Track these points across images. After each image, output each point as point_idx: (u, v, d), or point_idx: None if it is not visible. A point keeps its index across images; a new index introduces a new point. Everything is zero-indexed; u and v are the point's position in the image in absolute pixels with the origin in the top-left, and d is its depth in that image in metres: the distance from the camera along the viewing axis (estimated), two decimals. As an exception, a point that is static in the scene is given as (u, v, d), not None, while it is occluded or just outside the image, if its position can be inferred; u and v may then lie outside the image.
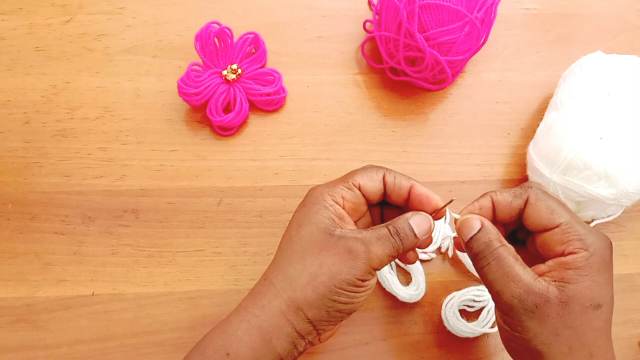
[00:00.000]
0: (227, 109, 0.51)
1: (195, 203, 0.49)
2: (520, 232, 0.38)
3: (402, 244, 0.34)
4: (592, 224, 0.47)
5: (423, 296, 0.46)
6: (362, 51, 0.53)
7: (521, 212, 0.35)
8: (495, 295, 0.33)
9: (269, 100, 0.51)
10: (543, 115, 0.49)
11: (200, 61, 0.51)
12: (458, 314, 0.45)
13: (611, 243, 0.34)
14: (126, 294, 0.46)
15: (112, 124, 0.51)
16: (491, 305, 0.45)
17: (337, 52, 0.54)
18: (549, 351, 0.32)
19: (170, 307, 0.46)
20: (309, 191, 0.36)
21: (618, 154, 0.42)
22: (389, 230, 0.34)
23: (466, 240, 0.34)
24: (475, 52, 0.51)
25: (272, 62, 0.53)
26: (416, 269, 0.46)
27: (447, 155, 0.51)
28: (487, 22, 0.48)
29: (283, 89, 0.51)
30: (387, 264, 0.35)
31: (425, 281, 0.46)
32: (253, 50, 0.52)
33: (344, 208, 0.35)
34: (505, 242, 0.34)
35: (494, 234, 0.34)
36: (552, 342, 0.32)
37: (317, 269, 0.33)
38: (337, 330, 0.37)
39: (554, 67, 0.54)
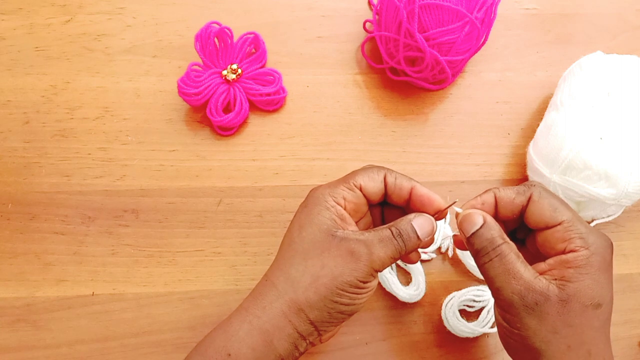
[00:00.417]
0: (227, 109, 0.51)
1: (195, 203, 0.49)
2: (520, 232, 0.38)
3: (405, 246, 0.34)
4: (592, 224, 0.47)
5: (423, 296, 0.46)
6: (362, 51, 0.53)
7: (523, 210, 0.35)
8: (496, 292, 0.33)
9: (269, 100, 0.51)
10: (543, 115, 0.49)
11: (200, 61, 0.51)
12: (458, 314, 0.45)
13: (612, 243, 0.34)
14: (126, 294, 0.46)
15: (112, 124, 0.51)
16: (491, 305, 0.45)
17: (337, 52, 0.54)
18: (547, 349, 0.32)
19: (170, 307, 0.46)
20: (310, 192, 0.36)
21: (618, 154, 0.42)
22: (392, 232, 0.34)
23: (468, 235, 0.34)
24: (475, 52, 0.51)
25: (272, 62, 0.53)
26: (416, 269, 0.46)
27: (447, 155, 0.51)
28: (487, 22, 0.48)
29: (283, 89, 0.51)
30: (389, 266, 0.35)
31: (425, 281, 0.46)
32: (253, 50, 0.52)
33: (345, 209, 0.35)
34: (507, 239, 0.34)
35: (496, 230, 0.34)
36: (551, 340, 0.32)
37: (318, 270, 0.33)
38: (338, 330, 0.37)
39: (554, 67, 0.54)
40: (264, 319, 0.33)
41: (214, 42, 0.50)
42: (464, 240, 0.35)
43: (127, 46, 0.53)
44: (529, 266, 0.33)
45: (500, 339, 0.36)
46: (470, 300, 0.45)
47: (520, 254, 0.34)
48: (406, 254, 0.35)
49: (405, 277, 0.47)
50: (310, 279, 0.33)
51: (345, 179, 0.36)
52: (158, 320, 0.46)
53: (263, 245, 0.48)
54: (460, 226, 0.35)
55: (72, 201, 0.48)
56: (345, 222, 0.35)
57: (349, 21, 0.55)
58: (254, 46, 0.52)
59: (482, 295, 0.45)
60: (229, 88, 0.50)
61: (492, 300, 0.44)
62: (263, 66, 0.52)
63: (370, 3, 0.56)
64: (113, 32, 0.54)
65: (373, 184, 0.36)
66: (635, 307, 0.47)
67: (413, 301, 0.46)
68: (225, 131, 0.51)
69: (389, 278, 0.46)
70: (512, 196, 0.35)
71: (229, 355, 0.33)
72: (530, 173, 0.48)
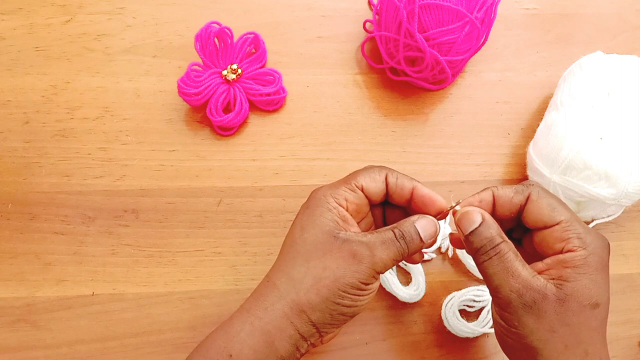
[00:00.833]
0: (227, 109, 0.51)
1: (195, 203, 0.49)
2: (516, 231, 0.38)
3: (408, 248, 0.34)
4: (592, 224, 0.47)
5: (423, 296, 0.46)
6: (362, 51, 0.53)
7: (521, 209, 0.35)
8: (494, 290, 0.33)
9: (269, 100, 0.51)
10: (543, 115, 0.49)
11: (200, 61, 0.51)
12: (458, 314, 0.45)
13: (609, 244, 0.34)
14: (126, 294, 0.46)
15: (112, 124, 0.51)
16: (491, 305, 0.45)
17: (337, 52, 0.54)
18: (545, 348, 0.32)
19: (170, 307, 0.46)
20: (312, 193, 0.36)
21: (618, 154, 0.42)
22: (395, 234, 0.34)
23: (466, 233, 0.34)
24: (475, 52, 0.51)
25: (272, 62, 0.53)
26: (416, 269, 0.46)
27: (447, 155, 0.51)
28: (487, 22, 0.48)
29: (283, 89, 0.51)
30: (391, 268, 0.35)
31: (425, 281, 0.46)
32: (253, 50, 0.52)
33: (347, 210, 0.35)
34: (506, 237, 0.34)
35: (495, 228, 0.34)
36: (548, 339, 0.32)
37: (321, 272, 0.33)
38: (339, 332, 0.37)
39: (554, 67, 0.54)
40: (265, 320, 0.33)
41: (214, 42, 0.50)
42: (462, 238, 0.35)
43: (127, 46, 0.53)
44: (527, 265, 0.33)
45: (497, 338, 0.36)
46: (470, 300, 0.45)
47: (519, 253, 0.34)
48: (409, 255, 0.35)
49: (405, 277, 0.47)
50: (312, 280, 0.33)
51: (347, 180, 0.36)
52: (158, 320, 0.46)
53: (263, 245, 0.48)
54: (458, 224, 0.35)
55: (72, 201, 0.48)
56: (347, 223, 0.35)
57: (349, 21, 0.55)
58: (254, 46, 0.52)
59: (482, 295, 0.45)
60: (229, 88, 0.50)
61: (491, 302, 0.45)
62: (263, 66, 0.52)
63: (370, 3, 0.56)
64: (113, 32, 0.54)
65: (375, 185, 0.36)
66: (635, 307, 0.47)
67: (413, 301, 0.46)
68: (225, 131, 0.51)
69: (389, 278, 0.46)
70: (510, 195, 0.35)
71: (230, 356, 0.33)
72: (530, 173, 0.48)
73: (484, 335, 0.46)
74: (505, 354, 0.36)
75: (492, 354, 0.46)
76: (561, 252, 0.33)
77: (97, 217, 0.48)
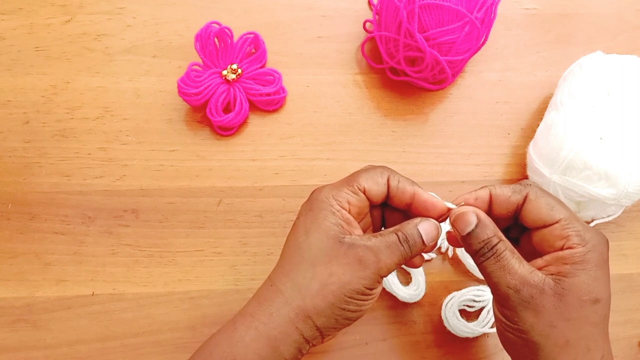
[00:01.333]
0: (227, 109, 0.51)
1: (195, 203, 0.49)
2: (513, 230, 0.38)
3: (411, 252, 0.34)
4: (592, 224, 0.47)
5: (423, 296, 0.46)
6: (362, 51, 0.53)
7: (518, 209, 0.35)
8: (493, 287, 0.34)
9: (269, 100, 0.51)
10: (543, 115, 0.49)
11: (200, 61, 0.51)
12: (458, 314, 0.45)
13: (607, 240, 0.34)
14: (126, 294, 0.46)
15: (112, 124, 0.51)
16: (491, 305, 0.45)
17: (337, 52, 0.54)
18: (545, 343, 0.32)
19: (170, 307, 0.46)
20: (314, 193, 0.36)
21: (618, 154, 0.42)
22: (399, 238, 0.34)
23: (463, 234, 0.34)
24: (475, 52, 0.51)
25: (272, 62, 0.53)
26: (416, 269, 0.46)
27: (447, 155, 0.51)
28: (487, 22, 0.48)
29: (283, 89, 0.51)
30: (394, 271, 0.35)
31: (425, 281, 0.46)
32: (253, 50, 0.52)
33: (349, 212, 0.35)
34: (502, 235, 0.34)
35: (491, 228, 0.34)
36: (549, 334, 0.32)
37: (326, 278, 0.33)
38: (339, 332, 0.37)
39: (554, 67, 0.54)
40: (270, 326, 0.33)
41: (214, 42, 0.50)
42: (459, 239, 0.35)
43: (127, 46, 0.53)
44: (525, 262, 0.33)
45: (499, 335, 0.36)
46: (470, 300, 0.45)
47: (516, 250, 0.34)
48: (410, 258, 0.35)
49: (405, 277, 0.47)
50: (318, 286, 0.33)
51: (349, 182, 0.36)
52: (158, 320, 0.46)
53: (263, 245, 0.48)
54: (454, 224, 0.35)
55: (72, 201, 0.48)
56: (351, 226, 0.35)
57: (349, 21, 0.55)
58: (254, 46, 0.52)
59: (482, 295, 0.45)
60: (229, 88, 0.50)
61: (492, 300, 0.45)
62: (263, 66, 0.52)
63: (370, 3, 0.56)
64: (113, 32, 0.54)
65: (377, 187, 0.36)
66: (635, 307, 0.47)
67: (413, 301, 0.46)
68: (225, 131, 0.51)
69: (389, 278, 0.46)
70: (508, 194, 0.35)
71: None
72: (530, 173, 0.48)
73: (484, 335, 0.46)
74: (507, 351, 0.36)
75: (492, 354, 0.46)
76: (561, 249, 0.33)
77: (97, 217, 0.48)
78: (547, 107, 0.50)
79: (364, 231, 0.37)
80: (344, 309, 0.33)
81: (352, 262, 0.33)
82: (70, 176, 0.49)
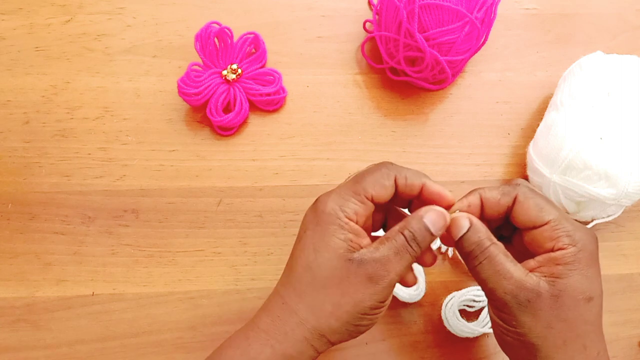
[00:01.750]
0: (227, 109, 0.51)
1: (195, 203, 0.49)
2: (505, 229, 0.38)
3: (420, 248, 0.34)
4: (591, 224, 0.47)
5: (423, 296, 0.46)
6: (362, 51, 0.53)
7: (509, 210, 0.35)
8: (489, 293, 0.34)
9: (269, 100, 0.51)
10: (543, 115, 0.49)
11: (200, 61, 0.51)
12: (458, 314, 0.45)
13: (596, 237, 0.34)
14: (126, 294, 0.46)
15: (112, 124, 0.51)
16: (491, 305, 0.45)
17: (337, 52, 0.54)
18: (543, 344, 0.32)
19: (170, 307, 0.46)
20: (320, 204, 0.34)
21: (618, 154, 0.42)
22: (406, 238, 0.33)
23: (456, 239, 0.34)
24: (475, 52, 0.51)
25: (272, 62, 0.53)
26: (416, 269, 0.46)
27: (447, 155, 0.51)
28: (487, 22, 0.48)
29: (283, 89, 0.51)
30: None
31: (425, 281, 0.46)
32: (253, 50, 0.52)
33: (357, 223, 0.34)
34: (495, 239, 0.34)
35: (483, 232, 0.34)
36: (546, 336, 0.32)
37: (339, 299, 0.33)
38: None
39: (554, 67, 0.54)
40: (286, 345, 0.33)
41: (214, 42, 0.50)
42: (454, 244, 0.35)
43: (127, 46, 0.53)
44: (519, 264, 0.33)
45: (496, 337, 0.36)
46: (470, 300, 0.45)
47: (509, 253, 0.34)
48: (421, 255, 0.35)
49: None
50: (332, 307, 0.33)
51: (356, 190, 0.34)
52: (158, 320, 0.46)
53: (263, 245, 0.48)
54: (448, 230, 0.35)
55: (72, 201, 0.48)
56: (359, 237, 0.34)
57: (349, 21, 0.55)
58: (254, 46, 0.52)
59: (482, 295, 0.45)
60: (229, 88, 0.50)
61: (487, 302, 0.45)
62: (263, 66, 0.52)
63: (370, 3, 0.56)
64: (113, 32, 0.54)
65: (384, 192, 0.34)
66: (635, 307, 0.47)
67: (413, 301, 0.46)
68: (225, 131, 0.51)
69: (389, 278, 0.45)
70: (497, 197, 0.35)
71: None
72: (530, 173, 0.48)
73: (484, 335, 0.46)
74: (505, 352, 0.36)
75: (492, 354, 0.46)
76: (552, 250, 0.33)
77: (97, 217, 0.48)
78: (547, 107, 0.50)
79: (367, 230, 0.37)
80: (358, 325, 0.34)
81: (363, 280, 0.33)
82: (70, 176, 0.49)
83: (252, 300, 0.46)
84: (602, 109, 0.44)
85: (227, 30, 0.50)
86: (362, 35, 0.55)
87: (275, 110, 0.52)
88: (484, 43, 0.51)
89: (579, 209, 0.45)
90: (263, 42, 0.52)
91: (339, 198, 0.34)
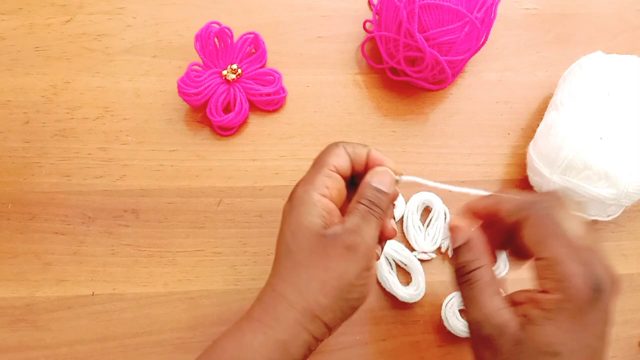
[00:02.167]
0: (227, 109, 0.51)
1: (195, 203, 0.49)
2: None
3: (382, 208, 0.35)
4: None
5: (423, 296, 0.46)
6: (362, 51, 0.53)
7: (518, 226, 0.33)
8: (464, 312, 0.34)
9: (269, 100, 0.51)
10: (543, 115, 0.49)
11: (200, 61, 0.51)
12: (458, 314, 0.45)
13: (607, 286, 0.30)
14: (126, 294, 0.46)
15: (112, 124, 0.51)
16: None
17: (337, 52, 0.54)
18: None
19: (170, 307, 0.46)
20: (293, 191, 0.36)
21: (618, 154, 0.42)
22: (365, 204, 0.34)
23: (453, 247, 0.35)
24: (475, 52, 0.51)
25: (272, 62, 0.53)
26: (416, 269, 0.46)
27: (447, 155, 0.51)
28: (487, 22, 0.48)
29: (283, 89, 0.51)
30: (378, 237, 0.35)
31: (425, 281, 0.46)
32: (253, 50, 0.52)
33: (331, 198, 0.35)
34: (487, 260, 0.33)
35: (476, 253, 0.33)
36: None
37: (323, 274, 0.33)
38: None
39: (554, 67, 0.54)
40: (278, 330, 0.33)
41: (214, 42, 0.50)
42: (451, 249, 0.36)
43: (127, 46, 0.53)
44: (499, 297, 0.32)
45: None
46: (470, 300, 0.45)
47: (495, 282, 0.33)
48: (386, 215, 0.35)
49: (405, 277, 0.47)
50: (318, 284, 0.33)
51: (318, 167, 0.35)
52: (158, 320, 0.46)
53: (263, 245, 0.48)
54: (450, 232, 0.35)
55: (72, 201, 0.48)
56: (332, 215, 0.35)
57: (349, 21, 0.55)
58: (254, 46, 0.52)
59: (482, 295, 0.45)
60: (229, 88, 0.50)
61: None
62: (263, 66, 0.52)
63: (370, 3, 0.56)
64: (113, 32, 0.54)
65: (342, 160, 0.36)
66: (635, 307, 0.47)
67: (413, 301, 0.46)
68: (225, 131, 0.51)
69: (389, 278, 0.46)
70: (511, 209, 0.33)
71: None
72: (530, 173, 0.48)
73: (484, 335, 0.46)
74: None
75: (492, 354, 0.46)
76: (539, 290, 0.31)
77: (97, 217, 0.48)
78: (547, 107, 0.50)
79: (343, 207, 0.37)
80: (348, 299, 0.33)
81: (342, 251, 0.33)
82: (70, 176, 0.49)
83: (252, 300, 0.45)
84: (602, 109, 0.44)
85: (227, 30, 0.50)
86: (362, 35, 0.55)
87: (275, 110, 0.52)
88: (484, 43, 0.51)
89: (578, 209, 0.45)
90: (263, 42, 0.52)
91: (307, 180, 0.35)
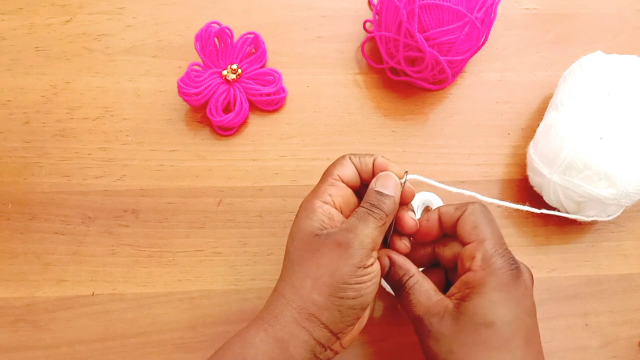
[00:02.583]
0: (227, 109, 0.51)
1: (195, 203, 0.49)
2: None
3: (384, 211, 0.35)
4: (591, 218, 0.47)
5: (423, 296, 0.46)
6: (362, 51, 0.53)
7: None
8: (408, 315, 0.36)
9: (269, 100, 0.51)
10: (543, 115, 0.49)
11: (200, 61, 0.51)
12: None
13: (526, 273, 0.35)
14: (126, 294, 0.46)
15: (112, 124, 0.51)
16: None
17: (337, 52, 0.54)
18: None
19: (170, 307, 0.46)
20: (301, 203, 0.37)
21: (618, 154, 0.42)
22: (364, 207, 0.35)
23: (383, 277, 0.37)
24: (475, 52, 0.51)
25: (272, 62, 0.53)
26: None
27: (447, 155, 0.51)
28: (487, 22, 0.48)
29: (283, 89, 0.51)
30: (381, 239, 0.36)
31: (425, 281, 0.46)
32: (253, 50, 0.52)
33: (334, 205, 0.36)
34: (414, 268, 0.36)
35: (402, 269, 0.37)
36: None
37: (315, 272, 0.34)
38: (357, 333, 0.37)
39: (554, 67, 0.54)
40: (277, 327, 0.34)
41: (214, 42, 0.50)
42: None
43: (127, 46, 0.53)
44: (435, 292, 0.35)
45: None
46: (470, 300, 0.45)
47: (427, 281, 0.36)
48: (391, 218, 0.36)
49: (405, 277, 0.47)
50: (311, 282, 0.34)
51: (324, 178, 0.37)
52: (158, 320, 0.46)
53: (263, 245, 0.48)
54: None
55: (72, 201, 0.48)
56: (333, 220, 0.35)
57: (349, 21, 0.55)
58: (254, 46, 0.52)
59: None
60: (229, 88, 0.50)
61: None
62: (263, 66, 0.52)
63: (370, 3, 0.56)
64: (113, 32, 0.54)
65: (347, 170, 0.37)
66: (635, 307, 0.47)
67: (413, 301, 0.46)
68: (225, 131, 0.51)
69: (389, 278, 0.46)
70: (451, 211, 0.37)
71: None
72: (530, 173, 0.48)
73: (484, 335, 0.46)
74: None
75: (492, 354, 0.46)
76: (468, 269, 0.34)
77: (97, 217, 0.48)
78: (547, 107, 0.50)
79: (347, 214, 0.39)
80: (342, 297, 0.33)
81: (334, 249, 0.34)
82: (70, 176, 0.49)
83: (252, 300, 0.46)
84: (602, 109, 0.44)
85: (227, 30, 0.50)
86: (362, 35, 0.55)
87: (275, 110, 0.52)
88: (484, 43, 0.51)
89: (579, 209, 0.45)
90: (263, 42, 0.52)
91: (311, 192, 0.37)
